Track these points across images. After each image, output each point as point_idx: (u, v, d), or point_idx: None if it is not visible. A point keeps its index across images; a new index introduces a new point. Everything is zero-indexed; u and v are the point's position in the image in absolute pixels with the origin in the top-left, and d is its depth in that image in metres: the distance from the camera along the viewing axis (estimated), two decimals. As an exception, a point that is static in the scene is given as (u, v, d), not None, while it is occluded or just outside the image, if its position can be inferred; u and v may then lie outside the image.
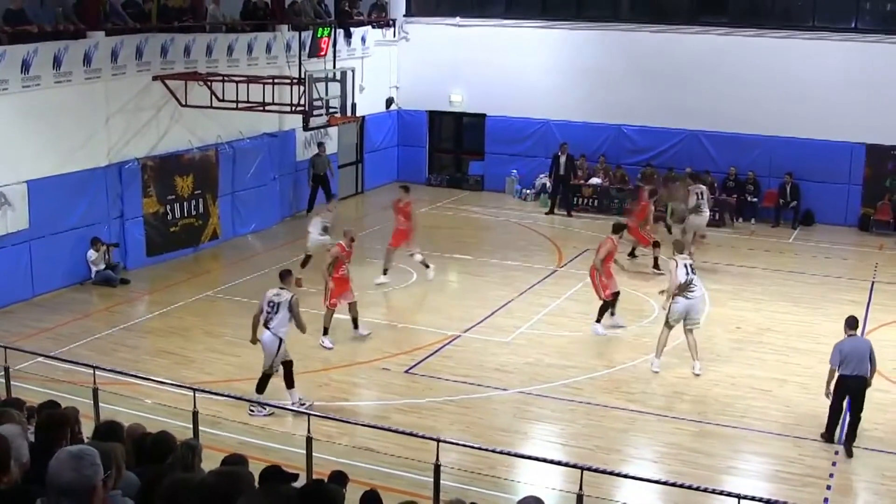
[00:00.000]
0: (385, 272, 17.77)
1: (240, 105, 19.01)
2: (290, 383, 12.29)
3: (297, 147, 23.22)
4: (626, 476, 10.22)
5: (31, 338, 14.68)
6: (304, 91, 18.17)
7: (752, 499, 8.66)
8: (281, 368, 12.31)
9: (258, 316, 12.29)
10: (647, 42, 24.67)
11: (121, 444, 5.65)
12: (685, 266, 13.93)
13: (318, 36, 20.18)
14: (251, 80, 19.16)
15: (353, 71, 19.72)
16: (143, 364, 13.74)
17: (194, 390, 10.43)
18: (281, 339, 12.14)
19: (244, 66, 20.85)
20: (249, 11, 22.08)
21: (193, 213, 19.90)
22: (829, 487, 10.75)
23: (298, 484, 5.87)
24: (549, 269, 19.33)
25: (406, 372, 13.89)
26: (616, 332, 15.58)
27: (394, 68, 27.33)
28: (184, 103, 19.10)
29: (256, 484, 5.57)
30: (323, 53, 20.12)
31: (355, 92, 19.86)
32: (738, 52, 23.76)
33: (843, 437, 11.72)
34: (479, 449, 10.30)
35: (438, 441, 9.35)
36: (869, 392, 11.69)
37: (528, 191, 25.99)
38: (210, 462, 6.56)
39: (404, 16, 27.50)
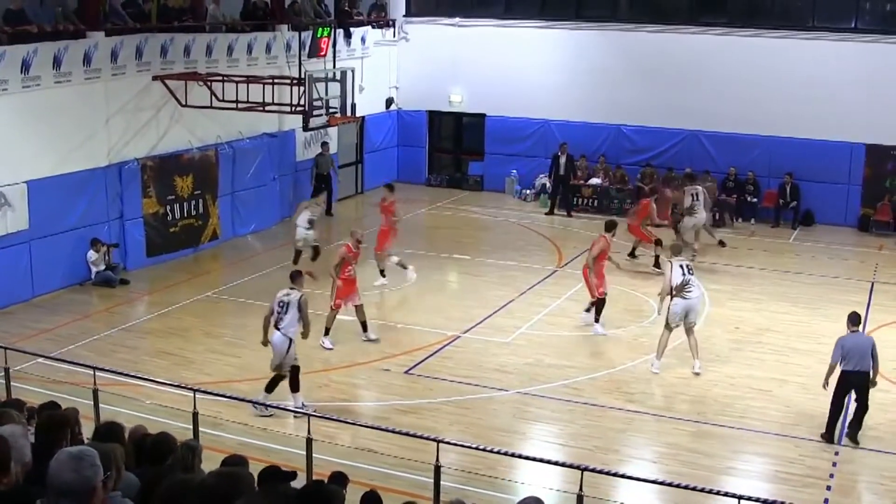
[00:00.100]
0: (382, 273, 17.77)
1: (239, 105, 19.01)
2: (294, 387, 12.29)
3: (296, 147, 23.22)
4: (625, 476, 10.21)
5: (30, 339, 14.68)
6: (304, 91, 18.17)
7: (752, 499, 8.65)
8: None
9: (269, 317, 12.31)
10: (647, 42, 24.68)
11: (120, 446, 5.66)
12: (681, 267, 13.94)
13: (318, 36, 20.20)
14: (251, 80, 19.16)
15: (352, 71, 19.74)
16: (143, 365, 13.73)
17: (194, 391, 10.43)
18: (291, 340, 12.15)
19: (244, 66, 20.85)
20: (249, 11, 22.09)
21: (193, 213, 19.90)
22: (829, 488, 10.75)
23: (298, 485, 5.88)
24: (548, 269, 19.33)
25: (406, 373, 13.89)
26: (615, 332, 15.58)
27: (393, 68, 27.33)
28: (183, 103, 19.10)
29: (256, 485, 5.57)
30: (323, 53, 20.13)
31: (355, 92, 19.87)
32: (737, 52, 23.75)
33: (847, 427, 11.79)
34: (479, 449, 10.29)
35: (438, 442, 9.36)
36: (870, 392, 11.71)
37: (527, 191, 25.99)
38: (210, 463, 6.56)
39: (404, 16, 27.49)
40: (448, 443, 10.01)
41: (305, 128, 19.06)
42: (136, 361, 13.91)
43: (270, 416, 11.95)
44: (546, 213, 24.50)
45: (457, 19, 26.69)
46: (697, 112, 24.09)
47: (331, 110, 19.17)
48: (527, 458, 10.37)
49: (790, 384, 13.55)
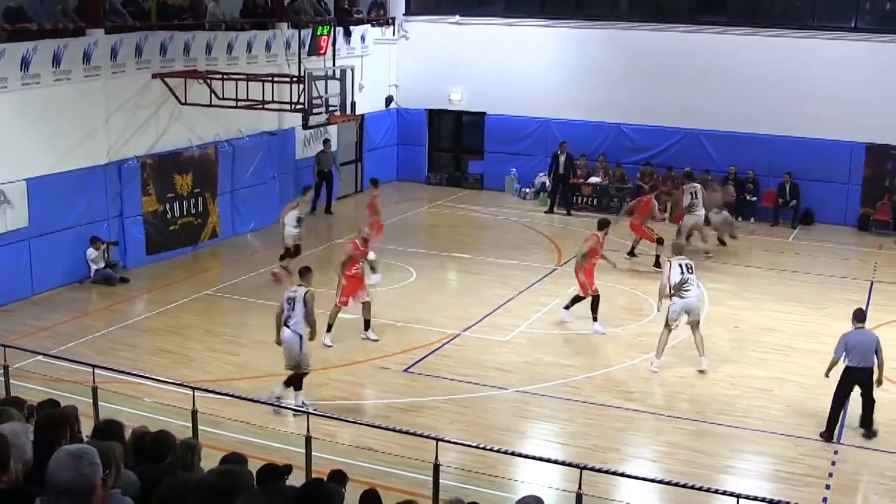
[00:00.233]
0: (373, 270, 17.63)
1: (239, 103, 18.99)
2: (297, 386, 12.30)
3: (296, 145, 23.22)
4: (625, 475, 10.20)
5: (30, 336, 14.67)
6: (304, 89, 18.14)
7: (752, 498, 8.65)
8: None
9: (279, 315, 12.32)
10: (647, 41, 24.67)
11: (120, 444, 5.65)
12: (679, 266, 13.92)
13: (318, 34, 20.16)
14: (251, 78, 19.13)
15: (352, 69, 19.71)
16: (143, 363, 13.73)
17: (193, 389, 10.43)
18: (301, 336, 12.14)
19: (244, 64, 20.85)
20: (249, 9, 22.07)
21: (193, 211, 19.89)
22: (828, 487, 10.75)
23: (298, 483, 5.88)
24: (548, 267, 19.33)
25: (405, 371, 13.88)
26: (615, 331, 15.58)
27: (393, 67, 27.32)
28: (183, 101, 19.08)
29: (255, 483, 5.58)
30: (322, 52, 20.10)
31: (355, 90, 19.84)
32: (737, 52, 23.75)
33: (860, 426, 11.85)
34: (479, 448, 10.29)
35: (438, 440, 9.36)
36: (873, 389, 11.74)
37: (527, 189, 25.99)
38: (209, 461, 6.56)
39: (404, 14, 27.48)
40: (447, 441, 10.01)
41: (305, 126, 19.06)
42: (135, 359, 13.91)
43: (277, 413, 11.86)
44: (545, 212, 24.49)
45: (456, 18, 26.69)
46: (697, 111, 24.08)
47: (330, 108, 19.14)
48: (526, 456, 10.38)
49: (790, 383, 13.55)
